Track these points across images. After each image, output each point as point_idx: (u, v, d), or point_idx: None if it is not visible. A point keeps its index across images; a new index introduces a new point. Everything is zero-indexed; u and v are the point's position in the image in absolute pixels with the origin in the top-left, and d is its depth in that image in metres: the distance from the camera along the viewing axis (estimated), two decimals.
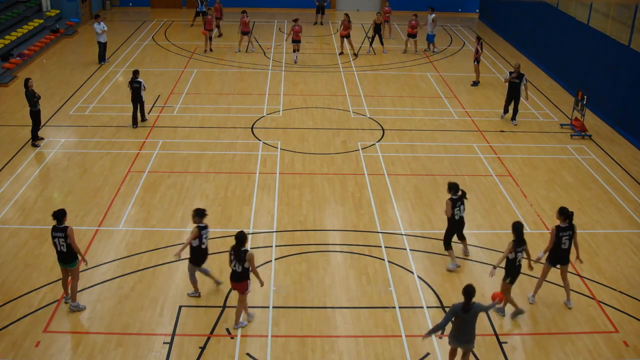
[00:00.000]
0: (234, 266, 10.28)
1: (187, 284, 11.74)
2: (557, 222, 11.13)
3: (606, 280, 12.25)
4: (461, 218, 12.32)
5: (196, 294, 11.31)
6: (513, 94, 19.29)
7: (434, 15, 26.48)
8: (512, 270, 10.85)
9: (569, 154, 17.76)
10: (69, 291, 11.08)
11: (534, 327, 10.93)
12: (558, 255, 11.23)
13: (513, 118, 19.61)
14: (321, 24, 32.08)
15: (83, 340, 10.33)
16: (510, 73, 19.27)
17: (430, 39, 27.15)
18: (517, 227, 10.72)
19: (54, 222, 10.67)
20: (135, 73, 18.53)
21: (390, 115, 20.13)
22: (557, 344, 10.57)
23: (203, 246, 10.90)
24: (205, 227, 10.87)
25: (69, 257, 10.71)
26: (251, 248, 12.86)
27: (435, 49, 27.42)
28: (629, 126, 19.01)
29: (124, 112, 19.71)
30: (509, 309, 11.25)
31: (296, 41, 25.15)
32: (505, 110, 19.76)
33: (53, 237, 10.66)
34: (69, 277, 10.97)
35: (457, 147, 17.88)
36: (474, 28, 32.43)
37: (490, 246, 13.19)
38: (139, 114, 18.77)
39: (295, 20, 25.26)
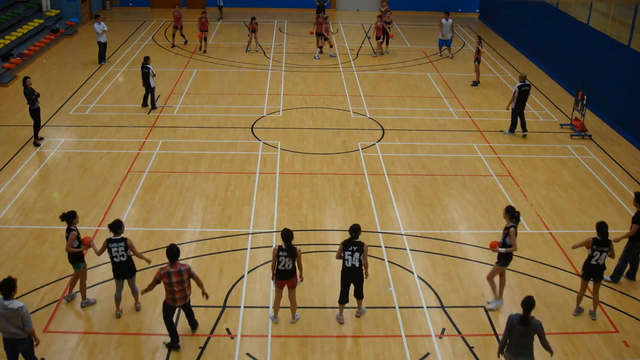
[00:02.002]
0: (284, 265, 10.28)
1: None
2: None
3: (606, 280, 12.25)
4: (354, 268, 10.47)
5: (117, 313, 10.93)
6: (523, 104, 18.43)
7: (451, 20, 25.90)
8: (586, 265, 10.88)
9: (569, 154, 17.76)
10: (72, 290, 11.19)
11: None
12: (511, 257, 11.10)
13: (525, 129, 18.68)
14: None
15: (83, 340, 10.33)
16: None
17: (447, 43, 26.37)
18: (603, 228, 10.71)
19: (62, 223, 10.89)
20: (146, 59, 19.61)
21: (390, 115, 20.13)
22: (557, 344, 10.56)
23: (116, 260, 10.50)
24: (117, 240, 10.46)
25: (72, 258, 10.82)
26: (251, 248, 12.88)
27: (440, 53, 26.83)
28: (629, 126, 19.02)
29: (124, 112, 19.74)
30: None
31: (324, 37, 25.80)
32: (512, 129, 18.61)
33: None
34: (77, 277, 11.11)
35: (457, 147, 17.88)
36: (474, 28, 32.43)
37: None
38: (149, 100, 19.98)
39: (325, 18, 25.95)
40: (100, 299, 11.30)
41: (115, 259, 10.47)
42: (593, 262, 10.80)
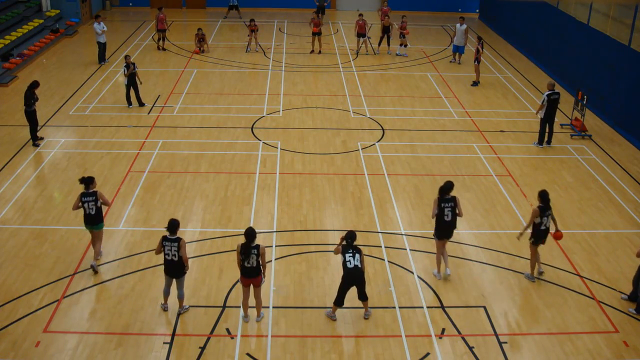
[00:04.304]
0: (248, 262, 10.30)
1: (187, 283, 11.74)
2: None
3: (606, 280, 12.25)
4: (356, 269, 10.50)
5: (164, 306, 11.06)
6: (552, 113, 17.79)
7: (465, 26, 25.12)
8: (536, 232, 11.73)
9: (569, 154, 17.76)
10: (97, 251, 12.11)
11: (534, 327, 10.93)
12: (443, 228, 11.81)
13: (549, 141, 18.11)
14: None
15: (83, 340, 10.33)
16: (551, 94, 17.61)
17: (460, 50, 25.68)
18: (545, 194, 11.65)
19: (82, 189, 11.76)
20: (125, 57, 20.12)
21: (390, 115, 20.13)
22: (557, 344, 10.57)
23: (167, 257, 10.60)
24: (171, 240, 10.54)
25: (96, 219, 11.80)
26: None
27: (453, 59, 26.11)
28: (629, 126, 19.02)
29: (124, 112, 19.74)
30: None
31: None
32: (541, 140, 18.06)
33: (82, 202, 11.70)
34: (96, 239, 12.02)
35: (457, 147, 17.88)
36: (474, 28, 32.43)
37: (489, 246, 13.19)
38: (133, 98, 20.22)
39: (361, 15, 26.86)
40: (100, 299, 11.30)
41: (167, 257, 10.58)
42: (542, 227, 11.72)
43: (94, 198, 11.70)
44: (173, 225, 10.54)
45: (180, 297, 10.94)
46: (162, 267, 10.89)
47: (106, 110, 19.98)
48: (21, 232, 13.32)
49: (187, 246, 12.85)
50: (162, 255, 10.69)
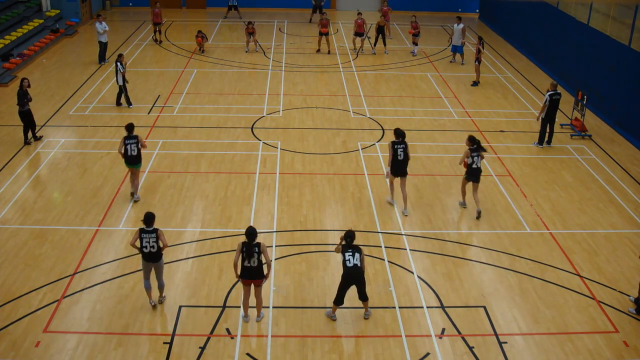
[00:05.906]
0: (249, 262, 10.29)
1: (187, 283, 11.77)
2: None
3: (606, 280, 12.25)
4: (356, 267, 10.47)
5: (152, 302, 11.10)
6: (553, 113, 17.73)
7: (462, 25, 24.94)
8: (468, 169, 13.92)
9: (569, 154, 17.76)
10: (135, 185, 14.35)
11: (534, 327, 10.93)
12: (397, 166, 13.86)
13: (549, 141, 18.05)
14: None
15: (83, 340, 10.33)
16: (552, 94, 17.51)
17: (459, 50, 25.50)
18: (473, 138, 13.94)
19: (125, 133, 14.05)
20: (119, 56, 19.90)
21: (390, 115, 20.13)
22: (557, 344, 10.57)
23: (145, 250, 10.72)
24: (148, 232, 10.71)
25: (138, 158, 14.10)
26: None
27: (462, 62, 25.82)
28: (629, 126, 19.02)
29: (124, 112, 19.73)
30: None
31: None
32: (541, 140, 18.04)
33: (126, 144, 13.92)
34: (134, 176, 14.24)
35: (457, 147, 17.87)
36: (474, 28, 32.43)
37: (489, 246, 13.19)
38: (122, 99, 20.21)
39: (359, 14, 27.18)
40: (100, 299, 11.30)
41: (145, 249, 10.69)
42: (474, 166, 13.78)
43: (136, 141, 14.00)
44: (149, 218, 10.73)
45: (161, 287, 11.09)
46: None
47: (106, 110, 19.97)
48: (21, 232, 13.32)
49: (187, 246, 12.92)
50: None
